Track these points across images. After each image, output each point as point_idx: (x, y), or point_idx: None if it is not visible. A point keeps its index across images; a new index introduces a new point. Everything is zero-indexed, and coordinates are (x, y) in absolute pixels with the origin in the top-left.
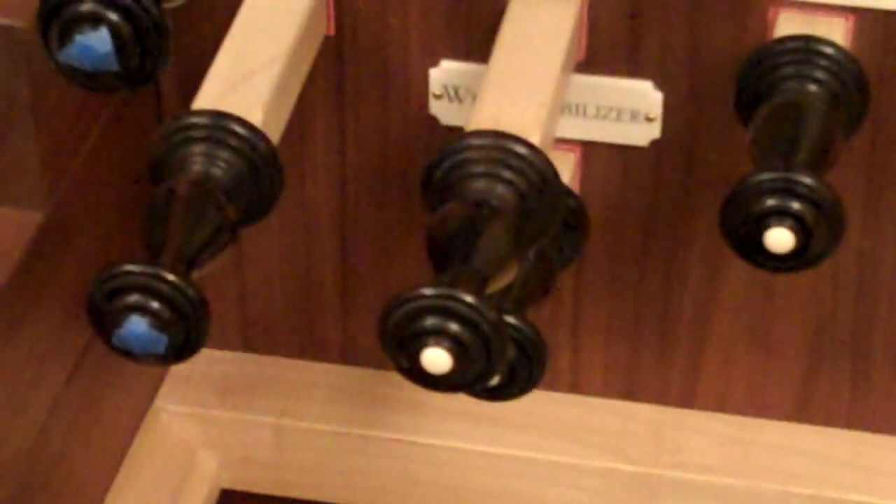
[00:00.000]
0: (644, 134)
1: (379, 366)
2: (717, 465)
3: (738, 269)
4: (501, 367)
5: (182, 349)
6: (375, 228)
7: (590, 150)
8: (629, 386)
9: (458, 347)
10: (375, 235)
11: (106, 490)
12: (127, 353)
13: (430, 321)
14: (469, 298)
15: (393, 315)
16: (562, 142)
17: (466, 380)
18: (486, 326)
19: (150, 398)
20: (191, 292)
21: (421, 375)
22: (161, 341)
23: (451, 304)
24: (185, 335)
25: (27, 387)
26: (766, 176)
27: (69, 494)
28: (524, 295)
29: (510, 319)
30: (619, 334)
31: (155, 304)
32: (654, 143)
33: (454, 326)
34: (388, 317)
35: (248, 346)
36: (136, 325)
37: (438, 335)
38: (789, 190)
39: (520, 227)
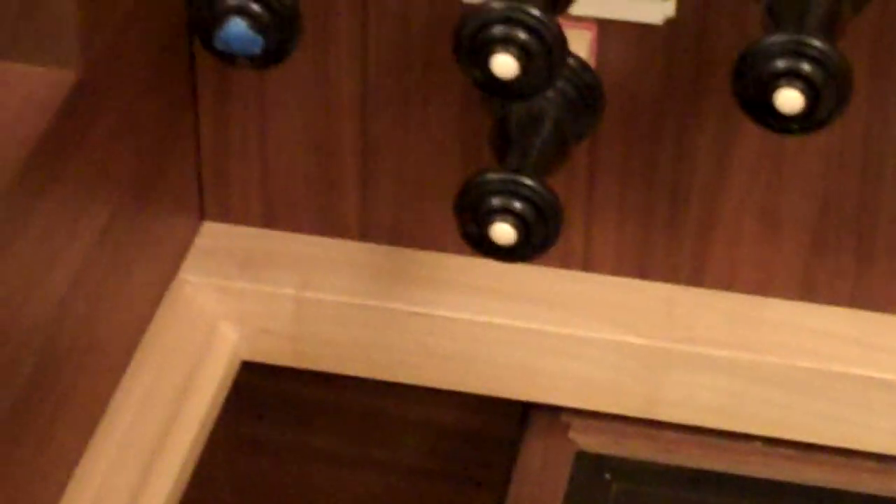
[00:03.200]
0: (659, 12)
1: (397, 242)
2: (725, 341)
3: (747, 149)
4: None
5: (275, 52)
6: (396, 106)
7: (605, 29)
8: (640, 264)
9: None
10: (396, 114)
11: (127, 360)
12: (226, 55)
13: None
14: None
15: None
16: (577, 20)
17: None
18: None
19: (174, 270)
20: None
21: None
22: (257, 42)
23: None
24: (279, 39)
25: (52, 252)
26: (778, 38)
27: (91, 364)
28: (541, 162)
29: (526, 181)
30: (631, 213)
31: (255, 7)
32: (669, 21)
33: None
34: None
35: (270, 222)
36: (237, 26)
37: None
38: (800, 52)
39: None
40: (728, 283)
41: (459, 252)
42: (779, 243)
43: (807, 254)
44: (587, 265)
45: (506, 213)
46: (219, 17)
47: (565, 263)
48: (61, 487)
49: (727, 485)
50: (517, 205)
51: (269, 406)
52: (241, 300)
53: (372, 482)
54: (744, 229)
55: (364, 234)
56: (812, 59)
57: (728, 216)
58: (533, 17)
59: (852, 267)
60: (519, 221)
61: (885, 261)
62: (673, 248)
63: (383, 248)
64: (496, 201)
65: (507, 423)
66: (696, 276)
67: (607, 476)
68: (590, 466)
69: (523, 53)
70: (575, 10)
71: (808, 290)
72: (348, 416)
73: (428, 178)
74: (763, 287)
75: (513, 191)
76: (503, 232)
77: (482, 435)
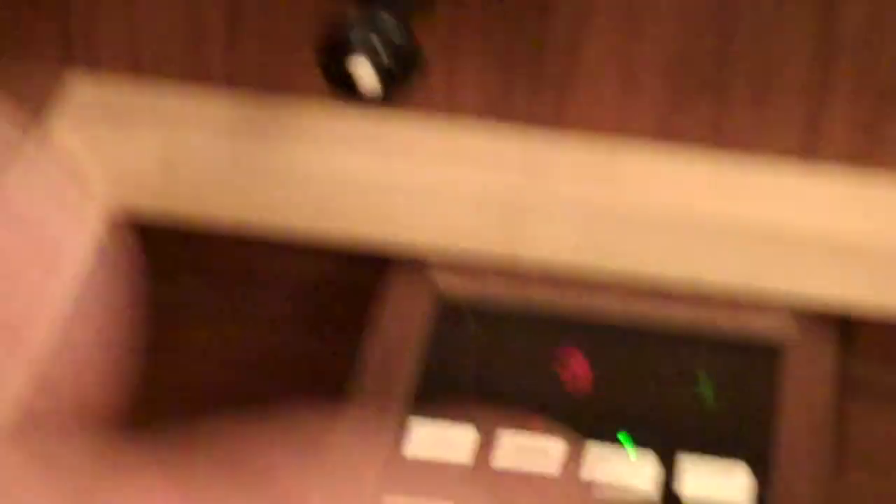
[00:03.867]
0: None
1: (263, 88)
2: (585, 184)
3: None
4: None
5: None
6: None
7: None
8: (502, 110)
9: None
10: None
11: None
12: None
13: None
14: None
15: None
16: None
17: None
18: None
19: (37, 120)
20: None
21: None
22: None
23: None
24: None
25: None
26: None
27: None
28: (402, 3)
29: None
30: (493, 59)
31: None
32: None
33: None
34: None
35: (137, 71)
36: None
37: None
38: None
39: None
40: (588, 129)
41: (324, 98)
42: (638, 90)
43: (665, 100)
44: (449, 111)
45: (364, 48)
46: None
47: (426, 110)
48: None
49: (590, 326)
50: (375, 40)
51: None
52: (106, 152)
53: (237, 337)
54: (604, 76)
55: (231, 81)
56: None
57: (588, 63)
58: None
59: (710, 111)
60: (377, 56)
61: (742, 104)
62: (534, 93)
63: (252, 97)
64: (355, 36)
65: (370, 273)
66: (556, 121)
67: (470, 321)
68: (452, 312)
69: None
70: None
71: (666, 134)
72: (213, 271)
73: (294, 22)
74: (622, 132)
75: (372, 27)
76: (361, 67)
77: (346, 285)
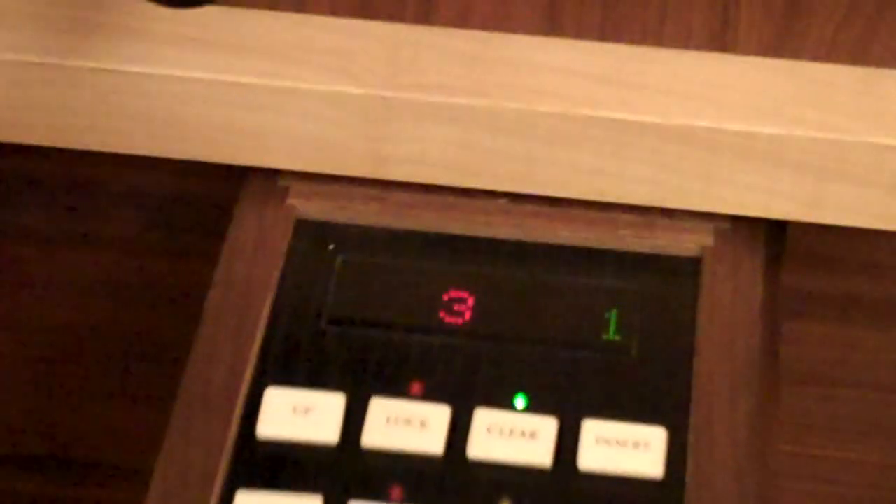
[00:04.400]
0: None
1: None
2: (460, 85)
3: None
4: None
5: None
6: None
7: None
8: (362, 3)
9: None
10: None
11: None
12: None
13: None
14: None
15: None
16: None
17: None
18: None
19: None
20: None
21: None
22: None
23: None
24: None
25: None
26: None
27: None
28: None
29: None
30: None
31: None
32: None
33: None
34: None
35: None
36: None
37: None
38: None
39: None
40: (462, 20)
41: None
42: None
43: None
44: (300, 7)
45: None
46: None
47: (274, 5)
48: None
49: (469, 249)
50: None
51: None
52: None
53: (84, 259)
54: None
55: None
56: None
57: None
58: None
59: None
60: None
61: None
62: None
63: None
64: None
65: (223, 190)
66: (424, 13)
67: (331, 246)
68: (311, 235)
69: None
70: None
71: (552, 24)
72: (54, 190)
73: None
74: (501, 23)
75: None
76: None
77: (197, 203)
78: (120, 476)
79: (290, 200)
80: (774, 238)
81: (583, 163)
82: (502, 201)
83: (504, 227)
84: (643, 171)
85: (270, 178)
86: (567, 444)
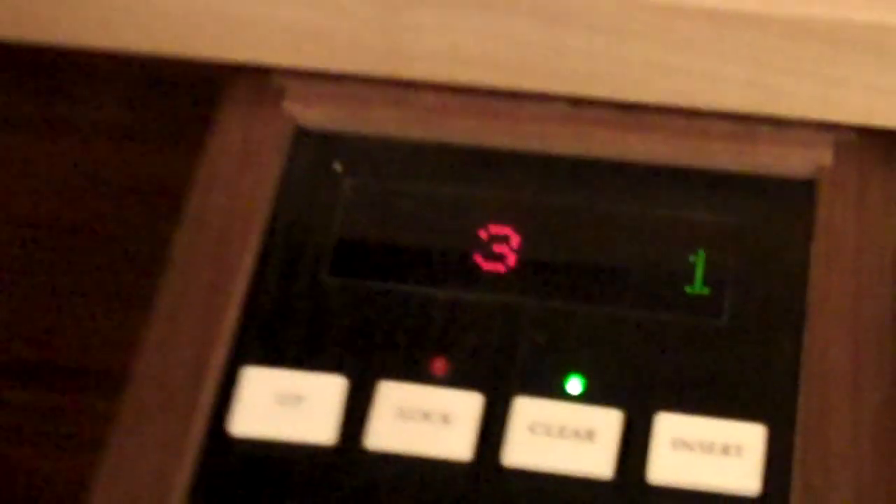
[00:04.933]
0: None
1: None
2: None
3: None
4: None
5: None
6: None
7: None
8: None
9: None
10: None
11: None
12: None
13: None
14: None
15: None
16: None
17: None
18: None
19: None
20: None
21: None
22: None
23: None
24: None
25: None
26: None
27: None
28: None
29: None
30: None
31: None
32: None
33: None
34: None
35: None
36: None
37: None
38: None
39: None
40: None
41: None
42: None
43: None
44: None
45: None
46: None
47: None
48: None
49: (514, 169)
50: None
51: None
52: None
53: (66, 147)
54: None
55: None
56: None
57: None
58: None
59: None
60: None
61: None
62: None
63: None
64: None
65: (207, 89)
66: None
67: (337, 165)
68: (312, 150)
69: None
70: None
71: None
72: (33, 76)
73: None
74: None
75: None
76: None
77: (181, 97)
78: (104, 383)
79: (287, 105)
80: None
81: (663, 60)
82: (558, 106)
83: (560, 140)
84: (742, 70)
85: (262, 78)
86: (634, 446)
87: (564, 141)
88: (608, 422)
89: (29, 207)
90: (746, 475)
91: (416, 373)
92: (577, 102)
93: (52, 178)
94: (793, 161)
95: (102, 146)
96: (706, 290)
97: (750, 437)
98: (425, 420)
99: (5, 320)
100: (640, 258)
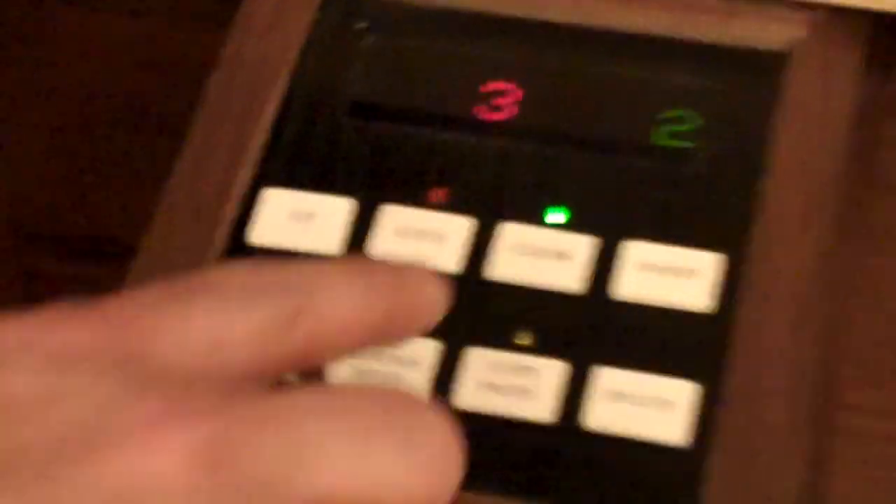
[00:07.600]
0: None
1: None
2: None
3: None
4: None
5: None
6: None
7: None
8: None
9: None
10: None
11: None
12: None
13: None
14: None
15: None
16: None
17: None
18: None
19: None
20: None
21: None
22: None
23: None
24: None
25: None
26: None
27: None
28: None
29: None
30: None
31: None
32: None
33: None
34: None
35: None
36: None
37: None
38: None
39: None
40: None
41: None
42: None
43: None
44: None
45: None
46: None
47: None
48: None
49: (529, 34)
50: None
51: None
52: None
53: (120, 25)
54: None
55: None
56: None
57: None
58: None
59: None
60: None
61: None
62: None
63: None
64: None
65: None
66: None
67: (361, 23)
68: (341, 9)
69: None
70: None
71: None
72: None
73: None
74: None
75: None
76: None
77: None
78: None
79: None
80: (882, 34)
81: None
82: None
83: (558, 9)
84: None
85: None
86: (604, 267)
87: (563, 10)
88: (583, 246)
89: (83, 81)
90: (699, 295)
91: (416, 199)
92: None
93: (106, 53)
94: (769, 34)
95: (155, 23)
96: (680, 143)
97: (706, 264)
98: (422, 238)
99: (55, 195)
100: (623, 114)
